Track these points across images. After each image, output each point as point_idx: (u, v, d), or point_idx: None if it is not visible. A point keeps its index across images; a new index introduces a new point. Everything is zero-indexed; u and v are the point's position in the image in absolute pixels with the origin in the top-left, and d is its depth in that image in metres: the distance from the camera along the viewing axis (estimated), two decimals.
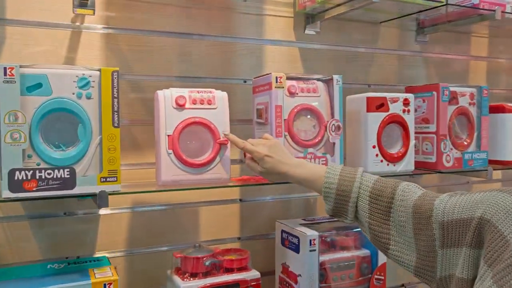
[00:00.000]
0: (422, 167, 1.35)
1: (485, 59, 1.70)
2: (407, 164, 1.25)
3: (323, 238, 1.20)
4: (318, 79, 1.18)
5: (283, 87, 1.11)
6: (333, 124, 1.15)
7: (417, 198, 0.80)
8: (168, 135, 0.99)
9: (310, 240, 1.15)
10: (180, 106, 1.01)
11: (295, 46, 1.38)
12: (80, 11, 1.10)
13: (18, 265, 1.10)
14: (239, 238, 1.34)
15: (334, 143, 1.15)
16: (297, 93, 1.14)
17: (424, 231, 0.77)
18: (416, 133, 1.32)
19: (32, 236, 1.12)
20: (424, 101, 1.34)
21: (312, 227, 1.23)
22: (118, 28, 1.17)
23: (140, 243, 1.22)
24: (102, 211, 1.18)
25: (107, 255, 1.16)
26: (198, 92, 1.03)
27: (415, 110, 1.35)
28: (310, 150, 1.12)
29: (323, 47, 1.41)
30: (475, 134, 1.38)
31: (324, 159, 1.13)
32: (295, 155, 1.10)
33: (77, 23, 1.13)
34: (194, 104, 1.02)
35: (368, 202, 0.85)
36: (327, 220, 1.30)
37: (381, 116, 1.22)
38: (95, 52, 1.15)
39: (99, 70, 0.91)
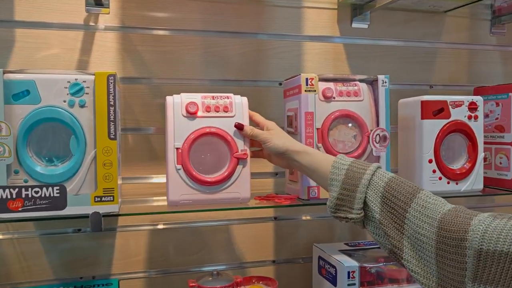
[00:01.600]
0: (494, 186, 1.11)
1: None
2: (474, 183, 1.03)
3: (367, 269, 1.01)
4: (360, 80, 0.99)
5: (315, 91, 0.93)
6: (378, 134, 0.96)
7: (446, 212, 0.64)
8: (177, 148, 0.86)
9: (349, 272, 0.97)
10: (191, 114, 0.87)
11: (340, 42, 1.19)
12: (94, 10, 1.01)
13: (29, 285, 1.03)
14: (273, 261, 1.19)
15: (379, 157, 0.96)
16: (334, 97, 0.96)
17: (451, 255, 0.61)
18: (487, 143, 1.10)
19: (43, 253, 1.04)
20: (498, 104, 1.11)
21: (354, 255, 1.04)
22: (135, 28, 1.06)
23: (160, 264, 1.10)
24: (120, 229, 1.07)
25: (123, 276, 1.06)
26: (213, 97, 0.89)
27: (486, 116, 1.12)
28: None
29: (374, 43, 1.22)
30: None
31: None
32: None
33: (91, 23, 1.03)
34: (208, 111, 0.88)
35: (380, 196, 0.71)
36: (375, 246, 1.11)
37: (439, 123, 1.00)
38: (110, 54, 1.04)
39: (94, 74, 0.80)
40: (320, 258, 1.08)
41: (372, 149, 0.95)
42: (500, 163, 1.10)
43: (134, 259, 1.09)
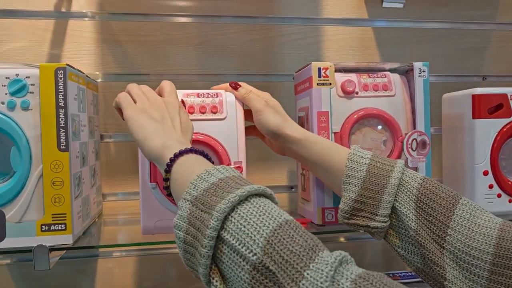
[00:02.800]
0: None
1: None
2: None
3: None
4: (392, 70, 0.77)
5: (330, 84, 0.72)
6: (415, 139, 0.73)
7: (501, 224, 0.52)
8: (151, 161, 0.67)
9: None
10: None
11: (369, 26, 0.98)
12: None
13: None
14: None
15: (416, 168, 0.74)
16: (357, 92, 0.75)
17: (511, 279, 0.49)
18: None
19: (12, 283, 0.88)
20: None
21: None
22: (116, 14, 0.88)
23: None
24: (102, 254, 0.90)
25: None
26: (198, 95, 0.70)
27: None
28: None
29: (411, 26, 0.99)
30: None
31: None
32: None
33: (63, 10, 0.86)
34: (192, 113, 0.69)
35: (415, 200, 0.56)
36: (413, 280, 0.88)
37: (497, 124, 0.78)
38: (86, 46, 0.87)
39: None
40: None
41: (407, 158, 0.73)
42: None
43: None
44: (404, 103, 0.76)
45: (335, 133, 0.74)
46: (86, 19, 0.87)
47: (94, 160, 0.81)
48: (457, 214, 0.54)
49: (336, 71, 0.75)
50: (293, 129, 0.66)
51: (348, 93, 0.74)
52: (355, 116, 0.74)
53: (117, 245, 0.74)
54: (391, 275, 0.91)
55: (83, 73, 0.74)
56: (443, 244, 0.53)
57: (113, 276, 0.91)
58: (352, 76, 0.76)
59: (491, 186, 0.77)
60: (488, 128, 0.77)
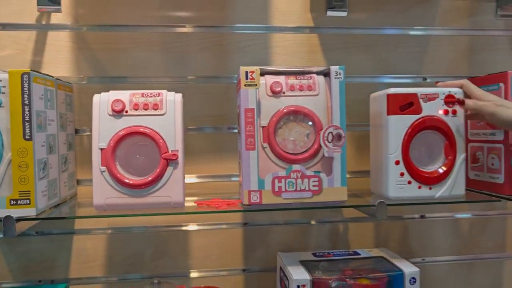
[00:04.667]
0: (487, 190, 0.96)
1: None
2: (453, 188, 0.89)
3: (328, 282, 0.91)
4: (318, 73, 0.89)
5: (256, 85, 0.85)
6: (331, 132, 0.85)
7: None
8: (102, 149, 0.81)
9: (298, 286, 0.87)
10: (118, 113, 0.82)
11: (314, 33, 1.09)
12: (44, 8, 0.99)
13: None
14: (244, 270, 1.11)
15: (332, 158, 0.85)
16: (283, 92, 0.87)
17: None
18: (478, 142, 0.96)
19: (2, 256, 1.03)
20: None
21: (316, 266, 0.94)
22: (89, 25, 1.02)
23: (118, 270, 1.06)
24: (77, 232, 1.05)
25: (81, 281, 1.04)
26: (142, 95, 0.84)
27: None
28: (295, 167, 0.85)
29: (354, 32, 1.10)
30: None
31: (316, 179, 0.85)
32: (274, 175, 0.84)
33: (43, 22, 1.01)
34: (136, 109, 0.83)
35: None
36: (350, 257, 1.00)
37: (408, 120, 0.88)
38: (63, 53, 1.02)
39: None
40: (280, 269, 0.99)
41: (324, 148, 0.85)
42: (492, 164, 0.95)
43: (91, 264, 1.06)
44: (326, 101, 0.88)
45: (263, 127, 0.86)
46: (63, 30, 1.02)
47: (66, 150, 0.95)
48: None
49: (269, 73, 0.88)
50: None
51: (275, 93, 0.87)
52: (281, 113, 0.86)
53: (73, 217, 0.88)
54: (325, 253, 1.02)
55: (53, 76, 0.88)
56: None
57: (86, 251, 1.05)
58: (281, 78, 0.88)
59: (402, 174, 0.88)
60: (400, 124, 0.88)
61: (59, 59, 1.02)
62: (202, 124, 1.07)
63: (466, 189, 1.01)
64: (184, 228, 1.08)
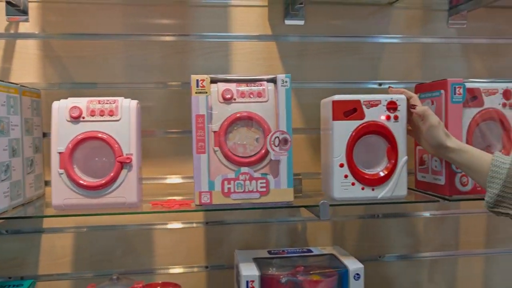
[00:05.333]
0: (432, 191, 1.02)
1: None
2: (395, 189, 0.95)
3: (278, 278, 0.96)
4: (269, 80, 0.94)
5: (206, 92, 0.90)
6: (277, 137, 0.91)
7: None
8: (60, 153, 0.87)
9: (248, 282, 0.93)
10: (75, 119, 0.87)
11: (273, 41, 1.15)
12: (13, 18, 1.04)
13: None
14: (206, 267, 1.16)
15: (279, 161, 0.91)
16: (234, 99, 0.92)
17: None
18: None
19: None
20: (432, 102, 1.01)
21: (269, 263, 0.99)
22: (55, 34, 1.08)
23: (85, 267, 1.11)
24: (46, 230, 1.10)
25: (50, 277, 1.09)
26: (99, 101, 0.89)
27: None
28: (244, 169, 0.90)
29: (311, 40, 1.16)
30: None
31: (263, 181, 0.90)
32: (223, 177, 0.89)
33: (11, 31, 1.06)
34: (93, 115, 0.88)
35: None
36: (303, 254, 1.05)
37: (352, 125, 0.94)
38: (31, 61, 1.07)
39: None
40: (236, 266, 1.04)
41: (270, 152, 0.91)
42: (435, 166, 1.00)
43: (60, 261, 1.11)
44: (275, 108, 0.93)
45: (214, 132, 0.92)
46: (31, 39, 1.07)
47: (33, 153, 1.00)
48: None
49: (221, 81, 0.93)
50: (452, 142, 0.89)
51: (226, 100, 0.92)
52: (231, 118, 0.92)
53: (30, 217, 0.93)
54: (280, 250, 1.07)
55: (17, 84, 0.93)
56: None
57: (55, 248, 1.10)
58: (232, 86, 0.93)
59: (346, 176, 0.93)
60: (344, 129, 0.93)
61: (27, 66, 1.07)
62: (166, 128, 1.12)
63: (414, 190, 1.07)
64: (149, 227, 1.13)
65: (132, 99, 0.93)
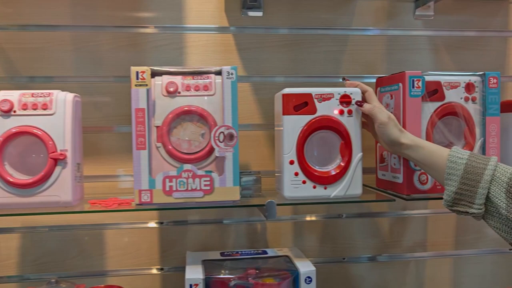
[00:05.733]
0: (391, 190, 0.97)
1: None
2: (349, 187, 0.90)
3: (226, 282, 0.91)
4: (217, 73, 0.89)
5: (146, 85, 0.85)
6: (222, 132, 0.86)
7: None
8: None
9: (191, 286, 0.88)
10: (5, 113, 0.82)
11: (229, 32, 1.10)
12: None
13: None
14: (161, 269, 1.11)
15: (224, 158, 0.86)
16: (179, 92, 0.87)
17: None
18: None
19: None
20: (392, 97, 0.96)
21: (219, 265, 0.95)
22: None
23: (31, 269, 1.06)
24: None
25: None
26: (32, 95, 0.84)
27: None
28: (187, 166, 0.85)
29: (270, 32, 1.11)
30: (478, 144, 0.95)
31: (207, 179, 0.85)
32: (165, 174, 0.84)
33: None
34: (25, 109, 0.83)
35: (505, 191, 0.72)
36: (257, 256, 1.00)
37: (303, 119, 0.89)
38: None
39: None
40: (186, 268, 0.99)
41: (215, 148, 0.86)
42: (394, 164, 0.96)
43: (4, 263, 1.06)
44: (222, 101, 0.88)
45: (157, 127, 0.87)
46: None
47: None
48: None
49: (165, 74, 0.88)
50: (407, 138, 0.84)
51: (170, 93, 0.87)
52: (174, 113, 0.87)
53: None
54: (233, 252, 1.02)
55: None
56: None
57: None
58: (177, 78, 0.88)
59: (296, 174, 0.88)
60: (295, 123, 0.88)
61: None
62: (118, 124, 1.07)
63: (375, 189, 1.02)
64: (101, 227, 1.08)
65: (80, 93, 0.89)
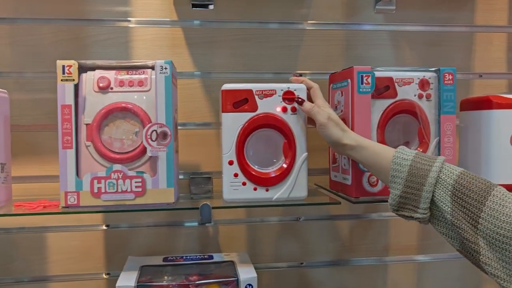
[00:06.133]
0: (342, 192, 0.92)
1: (503, 29, 1.15)
2: (293, 189, 0.84)
3: None
4: (152, 67, 0.84)
5: (73, 80, 0.80)
6: (154, 130, 0.80)
7: None
8: None
9: None
10: None
11: (179, 26, 1.04)
12: None
13: None
14: (108, 274, 1.06)
15: (157, 157, 0.81)
16: (112, 88, 0.82)
17: None
18: None
19: None
20: (342, 93, 0.91)
21: (159, 272, 0.89)
22: None
23: None
24: None
25: None
26: None
27: (335, 108, 0.93)
28: (116, 167, 0.80)
29: (222, 26, 1.05)
30: (433, 144, 0.89)
31: (139, 180, 0.80)
32: (93, 175, 0.79)
33: None
34: None
35: (450, 194, 0.66)
36: (202, 261, 0.95)
37: (243, 117, 0.83)
38: None
39: None
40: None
41: (147, 148, 0.80)
42: (344, 164, 0.90)
43: None
44: (155, 98, 0.83)
45: (87, 124, 0.81)
46: None
47: None
48: (487, 205, 0.62)
49: (97, 68, 0.83)
50: (349, 138, 0.79)
51: (102, 89, 0.82)
52: (105, 110, 0.81)
53: None
54: (176, 257, 0.97)
55: None
56: (476, 231, 0.63)
57: None
58: (109, 73, 0.83)
59: (236, 175, 0.83)
60: (234, 121, 0.83)
61: None
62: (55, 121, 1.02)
63: (329, 191, 0.97)
64: (43, 230, 1.03)
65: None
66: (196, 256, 0.97)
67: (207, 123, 1.05)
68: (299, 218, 1.11)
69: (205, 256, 0.97)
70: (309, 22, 1.08)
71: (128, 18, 1.02)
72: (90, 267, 1.05)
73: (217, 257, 0.97)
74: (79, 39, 1.02)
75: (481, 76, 1.13)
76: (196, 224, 1.07)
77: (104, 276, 1.06)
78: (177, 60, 1.03)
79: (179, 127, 1.04)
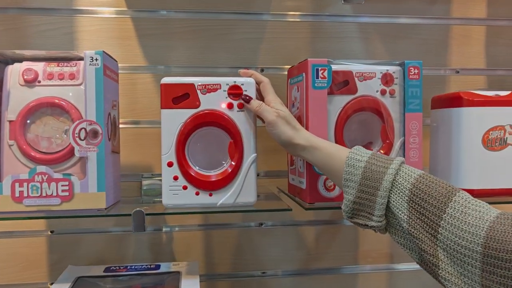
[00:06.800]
0: (298, 197, 0.84)
1: (481, 22, 1.07)
2: (240, 194, 0.76)
3: None
4: (80, 59, 0.76)
5: None
6: (83, 128, 0.72)
7: (494, 220, 0.52)
8: None
9: None
10: None
11: (127, 16, 0.97)
12: None
13: None
14: (51, 284, 0.98)
15: (86, 158, 0.73)
16: (39, 81, 0.74)
17: (503, 272, 0.50)
18: None
19: None
20: (298, 89, 0.83)
21: (96, 284, 0.81)
22: None
23: None
24: None
25: None
26: None
27: (292, 105, 0.85)
28: (41, 168, 0.72)
29: (176, 16, 0.98)
30: (397, 144, 0.81)
31: (66, 183, 0.72)
32: (14, 178, 0.71)
33: None
34: None
35: (407, 200, 0.59)
36: (147, 272, 0.87)
37: (183, 114, 0.75)
38: None
39: None
40: None
41: (75, 147, 0.72)
42: (300, 166, 0.82)
43: None
44: (84, 92, 0.75)
45: (10, 121, 0.74)
46: None
47: None
48: (448, 213, 0.55)
49: (27, 60, 0.76)
50: (301, 138, 0.71)
51: (28, 82, 0.74)
52: (30, 105, 0.74)
53: None
54: (119, 267, 0.89)
55: None
56: (436, 242, 0.56)
57: None
58: (38, 65, 0.75)
59: (176, 178, 0.75)
60: (174, 119, 0.75)
61: None
62: None
63: (287, 195, 0.89)
64: None
65: None
66: (142, 266, 0.89)
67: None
68: (262, 224, 1.03)
69: (151, 266, 0.89)
70: (271, 13, 1.00)
71: (73, 7, 0.95)
72: (30, 276, 0.97)
73: (164, 267, 0.89)
74: (18, 29, 0.94)
75: (458, 72, 1.05)
76: (147, 230, 0.99)
77: (49, 286, 0.98)
78: (127, 53, 0.96)
79: (129, 126, 0.97)
